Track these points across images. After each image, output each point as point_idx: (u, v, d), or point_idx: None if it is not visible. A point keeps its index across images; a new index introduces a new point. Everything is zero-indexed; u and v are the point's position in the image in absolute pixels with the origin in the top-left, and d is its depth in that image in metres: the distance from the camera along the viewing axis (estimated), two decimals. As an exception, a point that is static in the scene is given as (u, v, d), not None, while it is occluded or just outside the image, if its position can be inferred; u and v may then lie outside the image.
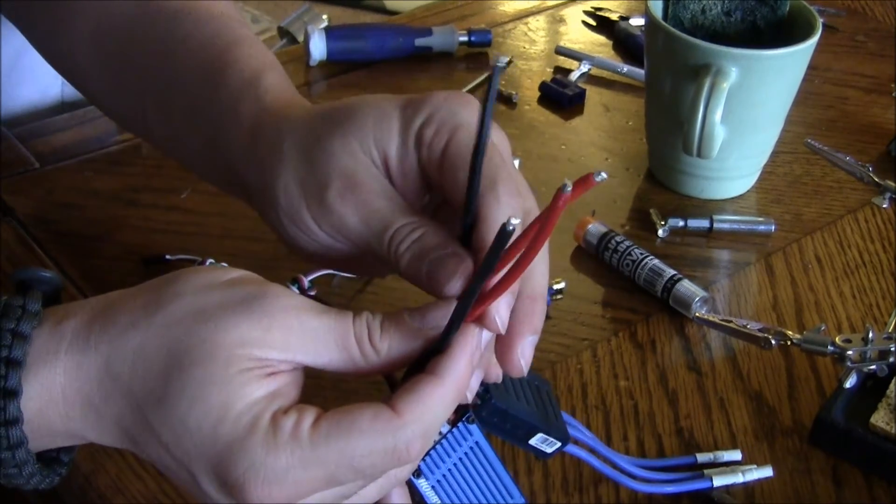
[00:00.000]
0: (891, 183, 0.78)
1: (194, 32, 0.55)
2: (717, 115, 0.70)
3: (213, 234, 0.72)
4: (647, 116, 0.81)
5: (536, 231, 0.37)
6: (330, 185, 0.45)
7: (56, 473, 0.43)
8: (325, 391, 0.42)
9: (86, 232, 0.72)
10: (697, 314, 0.66)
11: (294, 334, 0.39)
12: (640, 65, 0.92)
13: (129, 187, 0.77)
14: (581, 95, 0.91)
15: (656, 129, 0.80)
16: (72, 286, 0.66)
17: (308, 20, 1.11)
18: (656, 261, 0.69)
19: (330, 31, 0.94)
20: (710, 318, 0.64)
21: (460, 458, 0.46)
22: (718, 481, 0.55)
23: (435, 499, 0.45)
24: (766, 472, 0.56)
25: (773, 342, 0.61)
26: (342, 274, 0.68)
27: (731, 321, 0.63)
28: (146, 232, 0.72)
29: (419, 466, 0.45)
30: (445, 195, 0.45)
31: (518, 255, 0.38)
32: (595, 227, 0.72)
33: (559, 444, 0.48)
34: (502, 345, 0.42)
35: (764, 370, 0.63)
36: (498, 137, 0.46)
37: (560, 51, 0.98)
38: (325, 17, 1.12)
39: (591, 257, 0.72)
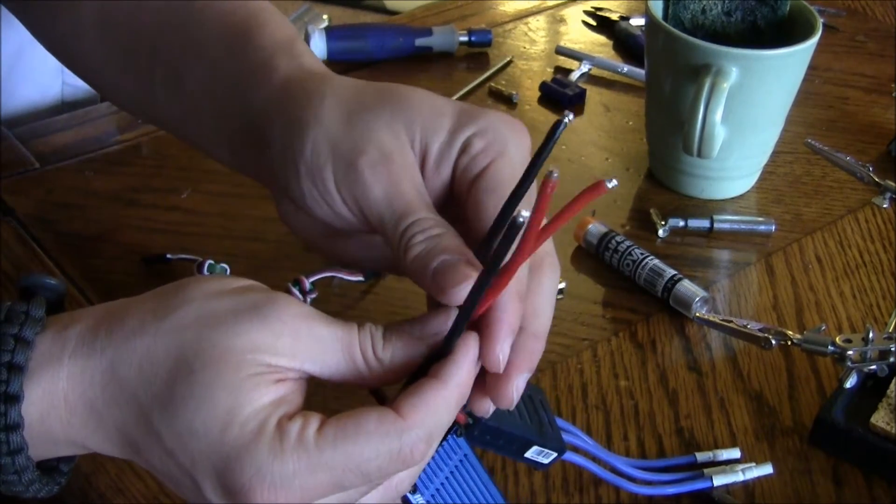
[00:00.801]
0: (891, 183, 0.78)
1: (212, 2, 0.54)
2: (718, 115, 0.70)
3: (213, 234, 0.72)
4: (647, 116, 0.81)
5: (533, 222, 0.37)
6: (365, 151, 0.44)
7: (55, 483, 0.42)
8: (325, 389, 0.42)
9: (86, 232, 0.72)
10: (698, 314, 0.66)
11: (303, 342, 0.39)
12: (641, 65, 0.92)
13: (129, 187, 0.77)
14: (581, 95, 0.91)
15: (656, 129, 0.80)
16: (72, 286, 0.66)
17: (308, 20, 1.11)
18: (656, 261, 0.69)
19: (330, 31, 0.94)
20: (711, 318, 0.64)
21: (451, 472, 0.46)
22: (718, 480, 0.55)
23: None
24: (766, 469, 0.56)
25: (774, 342, 0.61)
26: (342, 276, 0.68)
27: (731, 321, 0.63)
28: (146, 232, 0.72)
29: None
30: (464, 212, 0.44)
31: (517, 247, 0.38)
32: (595, 227, 0.72)
33: (555, 454, 0.48)
34: (497, 378, 0.42)
35: (764, 370, 0.63)
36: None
37: (560, 51, 0.98)
38: (325, 16, 1.12)
39: (592, 257, 0.72)
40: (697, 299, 0.66)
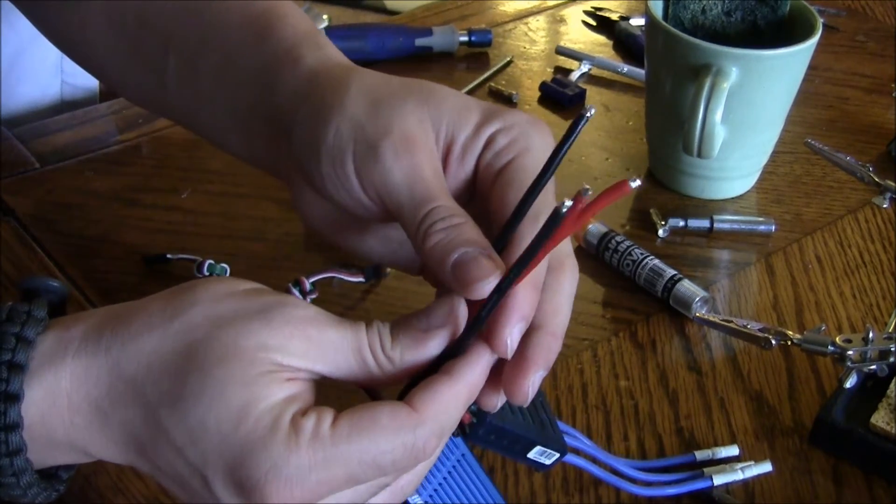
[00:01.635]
0: (891, 183, 0.78)
1: None
2: (718, 115, 0.70)
3: (213, 234, 0.72)
4: (647, 116, 0.81)
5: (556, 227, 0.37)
6: (389, 135, 0.43)
7: (54, 489, 0.42)
8: (325, 389, 0.42)
9: (86, 232, 0.72)
10: (698, 314, 0.66)
11: (313, 344, 0.39)
12: (641, 65, 0.92)
13: (129, 187, 0.77)
14: (581, 95, 0.91)
15: (656, 129, 0.80)
16: (72, 286, 0.66)
17: (308, 20, 1.11)
18: (657, 261, 0.69)
19: (330, 31, 0.94)
20: (711, 318, 0.65)
21: (449, 472, 0.46)
22: (719, 480, 0.55)
23: None
24: (766, 467, 0.56)
25: (774, 342, 0.61)
26: (342, 276, 0.68)
27: (731, 321, 0.63)
28: (146, 232, 0.72)
29: None
30: (487, 207, 0.44)
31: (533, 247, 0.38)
32: (595, 227, 0.72)
33: (557, 455, 0.48)
34: (515, 373, 0.42)
35: (764, 370, 0.63)
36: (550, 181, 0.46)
37: (560, 51, 0.98)
38: (325, 17, 1.12)
39: (592, 257, 0.72)
40: (697, 299, 0.66)
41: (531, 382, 0.41)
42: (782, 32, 0.77)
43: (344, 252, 0.51)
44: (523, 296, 0.40)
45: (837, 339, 0.59)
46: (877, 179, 0.79)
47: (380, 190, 0.43)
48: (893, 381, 0.58)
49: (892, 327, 0.61)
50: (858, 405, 0.58)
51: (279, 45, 0.50)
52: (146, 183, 0.77)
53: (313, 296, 0.66)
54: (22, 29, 0.65)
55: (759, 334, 0.61)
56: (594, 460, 0.54)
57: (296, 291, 0.66)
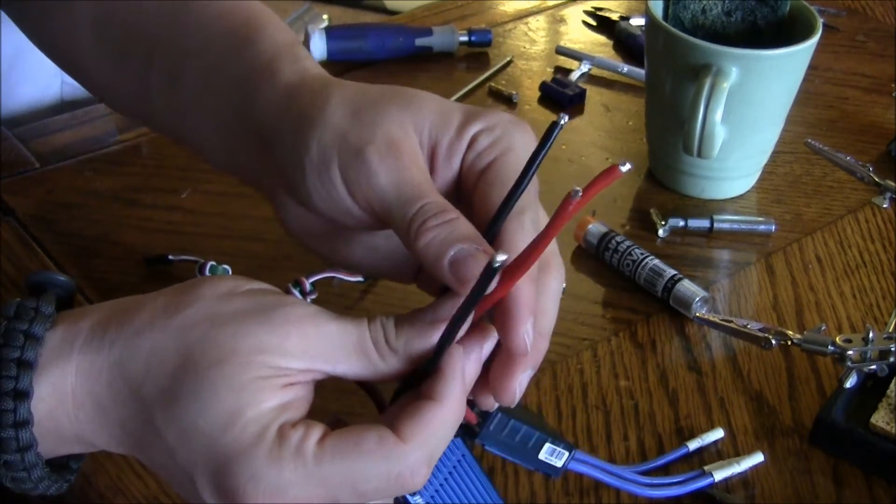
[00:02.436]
0: (891, 183, 0.78)
1: (209, 3, 0.54)
2: (718, 115, 0.70)
3: (213, 234, 0.72)
4: (647, 116, 0.81)
5: (548, 227, 0.37)
6: (373, 141, 0.43)
7: (65, 480, 0.43)
8: (325, 389, 0.42)
9: (86, 232, 0.72)
10: (698, 314, 0.66)
11: (312, 341, 0.39)
12: (641, 65, 0.92)
13: (129, 187, 0.77)
14: (581, 95, 0.91)
15: (656, 129, 0.80)
16: (72, 286, 0.66)
17: (308, 20, 1.11)
18: (656, 261, 0.69)
19: (330, 31, 0.94)
20: (711, 318, 0.65)
21: (450, 473, 0.46)
22: (719, 475, 0.55)
23: None
24: (757, 458, 0.56)
25: (774, 342, 0.61)
26: (342, 276, 0.68)
27: (731, 321, 0.63)
28: (146, 232, 0.72)
29: None
30: (470, 206, 0.44)
31: (529, 249, 0.38)
32: (595, 227, 0.72)
33: (567, 453, 0.48)
34: (502, 373, 0.42)
35: (764, 370, 0.63)
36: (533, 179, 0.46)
37: (560, 51, 0.98)
38: (325, 16, 1.12)
39: (592, 257, 0.72)
40: (697, 299, 0.66)
41: (519, 382, 0.42)
42: (782, 32, 0.77)
43: (333, 264, 0.51)
44: (529, 293, 0.41)
45: (837, 339, 0.59)
46: (877, 179, 0.79)
47: (367, 194, 0.43)
48: (893, 381, 0.58)
49: (892, 327, 0.61)
50: (858, 405, 0.58)
51: (258, 57, 0.50)
52: (146, 183, 0.77)
53: (313, 296, 0.66)
54: (21, 29, 0.66)
55: (759, 334, 0.61)
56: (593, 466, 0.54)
57: (296, 291, 0.66)
